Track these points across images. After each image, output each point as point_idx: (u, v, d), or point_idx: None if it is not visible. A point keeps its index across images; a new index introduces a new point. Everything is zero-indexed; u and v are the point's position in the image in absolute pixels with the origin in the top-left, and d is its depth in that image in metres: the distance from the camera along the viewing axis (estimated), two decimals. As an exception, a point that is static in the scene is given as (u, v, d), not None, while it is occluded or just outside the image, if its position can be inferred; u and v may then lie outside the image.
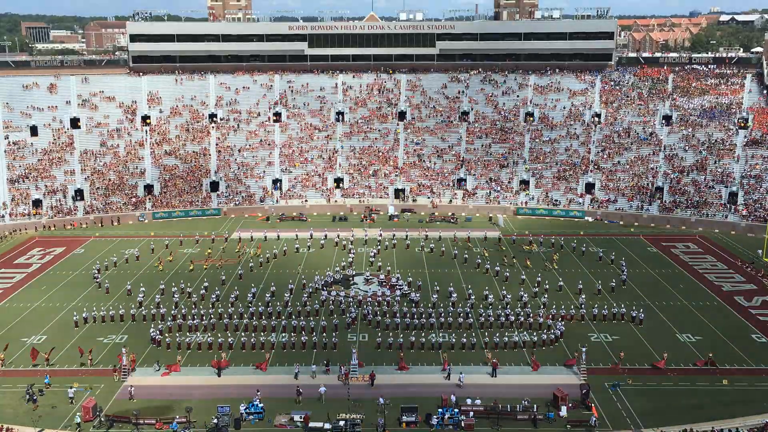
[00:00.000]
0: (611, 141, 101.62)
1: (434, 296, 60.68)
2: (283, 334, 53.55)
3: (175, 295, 61.61)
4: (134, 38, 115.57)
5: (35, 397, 44.25)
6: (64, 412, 43.08)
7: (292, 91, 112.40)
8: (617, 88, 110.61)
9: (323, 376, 47.16)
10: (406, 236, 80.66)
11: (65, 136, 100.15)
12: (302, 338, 52.28)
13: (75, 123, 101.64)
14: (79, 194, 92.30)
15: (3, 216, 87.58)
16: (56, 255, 76.23)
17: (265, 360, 49.50)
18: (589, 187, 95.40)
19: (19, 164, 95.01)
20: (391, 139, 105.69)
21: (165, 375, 47.72)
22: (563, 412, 42.61)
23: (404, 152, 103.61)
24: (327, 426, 41.00)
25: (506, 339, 52.17)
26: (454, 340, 52.05)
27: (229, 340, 51.95)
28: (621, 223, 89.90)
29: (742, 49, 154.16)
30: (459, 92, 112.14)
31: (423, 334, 53.37)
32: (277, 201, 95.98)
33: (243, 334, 53.72)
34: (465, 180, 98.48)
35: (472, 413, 42.10)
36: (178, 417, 41.89)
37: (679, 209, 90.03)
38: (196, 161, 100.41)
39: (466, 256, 73.86)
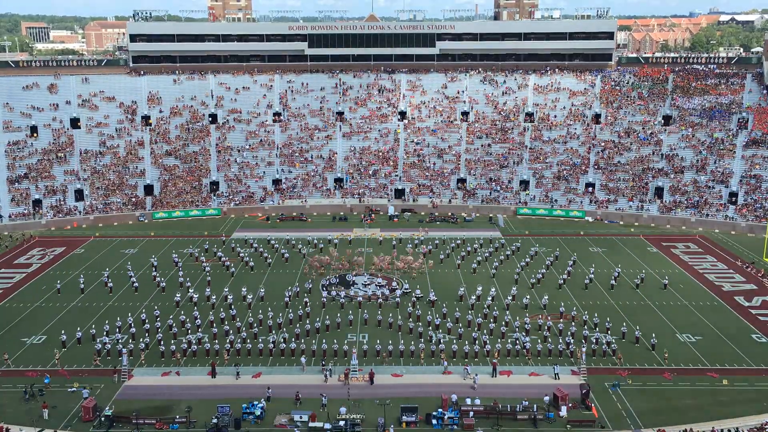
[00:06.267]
0: (611, 141, 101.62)
1: (432, 295, 60.88)
2: (284, 334, 53.50)
3: (181, 296, 61.75)
4: (134, 38, 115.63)
5: (39, 393, 44.41)
6: (64, 412, 43.12)
7: (292, 91, 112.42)
8: (617, 88, 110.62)
9: (315, 376, 47.28)
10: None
11: (65, 136, 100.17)
12: (301, 345, 51.61)
13: (75, 123, 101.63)
14: (79, 194, 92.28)
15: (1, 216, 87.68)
16: (56, 255, 76.22)
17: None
18: (589, 187, 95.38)
19: (19, 164, 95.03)
20: (391, 139, 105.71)
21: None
22: (563, 412, 42.63)
23: (404, 152, 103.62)
24: (327, 426, 41.01)
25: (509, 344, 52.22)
26: (455, 347, 51.21)
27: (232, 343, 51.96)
28: (621, 223, 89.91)
29: (742, 49, 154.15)
30: (459, 92, 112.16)
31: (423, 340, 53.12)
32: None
33: (239, 337, 53.58)
34: (465, 180, 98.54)
35: (472, 413, 42.12)
36: (178, 417, 41.95)
37: (679, 209, 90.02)
38: (196, 161, 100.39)
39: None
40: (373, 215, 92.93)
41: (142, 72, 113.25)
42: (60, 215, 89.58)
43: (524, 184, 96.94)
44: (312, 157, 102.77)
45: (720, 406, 43.87)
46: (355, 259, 71.67)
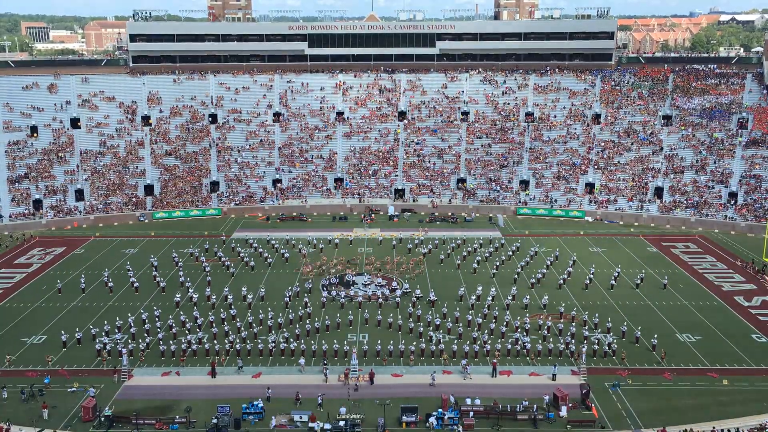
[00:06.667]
0: (611, 141, 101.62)
1: (432, 295, 60.91)
2: (284, 334, 53.48)
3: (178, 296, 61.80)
4: (134, 38, 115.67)
5: (39, 393, 44.53)
6: (64, 412, 43.13)
7: (292, 91, 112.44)
8: (617, 88, 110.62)
9: (315, 376, 47.26)
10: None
11: (65, 136, 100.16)
12: (301, 345, 51.58)
13: (75, 123, 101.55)
14: (79, 194, 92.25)
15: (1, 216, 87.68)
16: (56, 255, 76.21)
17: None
18: (589, 187, 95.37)
19: (19, 164, 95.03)
20: (391, 139, 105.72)
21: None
22: (563, 412, 42.63)
23: (404, 152, 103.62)
24: (327, 426, 41.01)
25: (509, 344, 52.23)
26: (455, 347, 51.16)
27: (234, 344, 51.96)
28: (621, 223, 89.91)
29: (742, 49, 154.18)
30: (459, 92, 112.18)
31: (424, 340, 52.97)
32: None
33: (239, 337, 53.54)
34: (465, 180, 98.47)
35: (472, 413, 42.13)
36: (178, 417, 41.95)
37: (678, 209, 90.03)
38: (196, 161, 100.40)
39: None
40: (373, 215, 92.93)
41: (142, 72, 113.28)
42: (60, 215, 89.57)
43: (524, 184, 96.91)
44: (312, 157, 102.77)
45: (720, 406, 43.88)
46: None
